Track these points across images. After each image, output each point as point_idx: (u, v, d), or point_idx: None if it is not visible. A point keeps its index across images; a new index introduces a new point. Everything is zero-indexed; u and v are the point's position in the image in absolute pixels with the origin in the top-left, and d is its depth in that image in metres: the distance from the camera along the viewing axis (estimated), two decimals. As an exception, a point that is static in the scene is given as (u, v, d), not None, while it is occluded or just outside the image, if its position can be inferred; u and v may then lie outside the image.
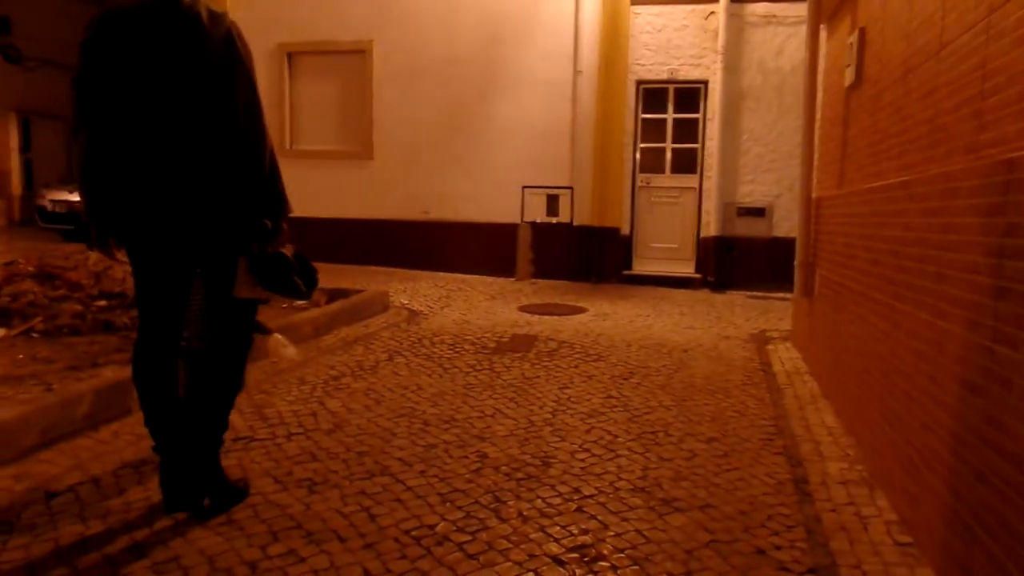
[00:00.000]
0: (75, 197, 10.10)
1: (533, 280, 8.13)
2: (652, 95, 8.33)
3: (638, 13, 8.13)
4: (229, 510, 2.28)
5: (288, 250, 2.35)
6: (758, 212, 8.10)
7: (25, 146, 13.89)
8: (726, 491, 2.55)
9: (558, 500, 2.42)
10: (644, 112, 8.34)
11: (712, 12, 7.93)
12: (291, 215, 2.36)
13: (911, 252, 2.45)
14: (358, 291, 5.95)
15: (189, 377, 2.42)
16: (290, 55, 9.08)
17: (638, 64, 8.20)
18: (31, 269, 4.85)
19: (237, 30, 2.22)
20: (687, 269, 8.33)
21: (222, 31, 2.17)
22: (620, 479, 2.61)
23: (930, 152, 2.40)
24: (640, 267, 8.43)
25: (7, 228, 12.27)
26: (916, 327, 2.33)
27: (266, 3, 8.97)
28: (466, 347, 4.66)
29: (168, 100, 2.14)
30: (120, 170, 2.16)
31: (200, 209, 2.17)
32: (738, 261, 8.13)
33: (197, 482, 2.27)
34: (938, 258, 2.16)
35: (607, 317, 6.00)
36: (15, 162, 13.71)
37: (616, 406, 3.50)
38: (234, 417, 3.12)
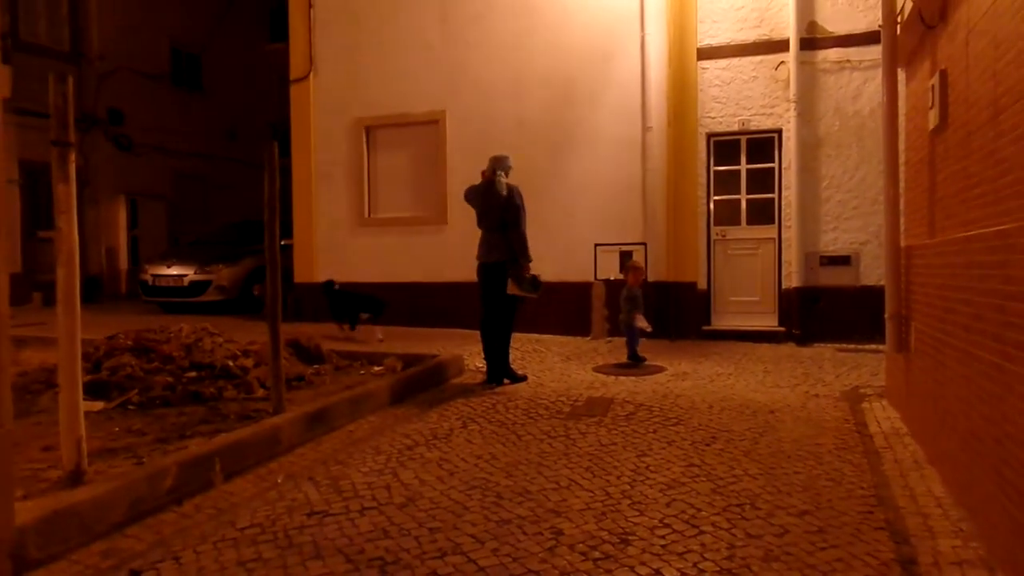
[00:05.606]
0: (173, 271, 10.78)
1: (608, 339, 7.98)
2: (724, 147, 8.21)
3: (705, 68, 8.11)
4: (517, 384, 5.52)
5: (528, 273, 5.35)
6: (843, 260, 7.73)
7: (132, 224, 15.02)
8: (823, 573, 2.34)
9: (637, 582, 2.28)
10: (716, 164, 8.21)
11: (782, 62, 7.82)
12: (530, 262, 5.40)
13: (1018, 308, 2.24)
14: (433, 356, 6.00)
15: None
16: (368, 129, 9.50)
17: (708, 117, 8.13)
18: (129, 343, 5.14)
19: (517, 190, 5.41)
20: (769, 322, 7.99)
21: (511, 193, 5.36)
22: (704, 559, 2.45)
23: (1030, 199, 2.22)
24: (719, 322, 8.15)
25: (114, 301, 13.16)
26: (1030, 391, 2.11)
27: (345, 83, 9.49)
28: (541, 412, 4.58)
29: (489, 217, 5.44)
30: (480, 242, 5.55)
31: (498, 259, 5.37)
32: (824, 312, 7.74)
33: (498, 374, 5.51)
34: (1049, 315, 1.97)
35: (686, 376, 5.80)
36: (123, 240, 14.82)
37: (698, 475, 3.33)
38: (309, 490, 3.17)
